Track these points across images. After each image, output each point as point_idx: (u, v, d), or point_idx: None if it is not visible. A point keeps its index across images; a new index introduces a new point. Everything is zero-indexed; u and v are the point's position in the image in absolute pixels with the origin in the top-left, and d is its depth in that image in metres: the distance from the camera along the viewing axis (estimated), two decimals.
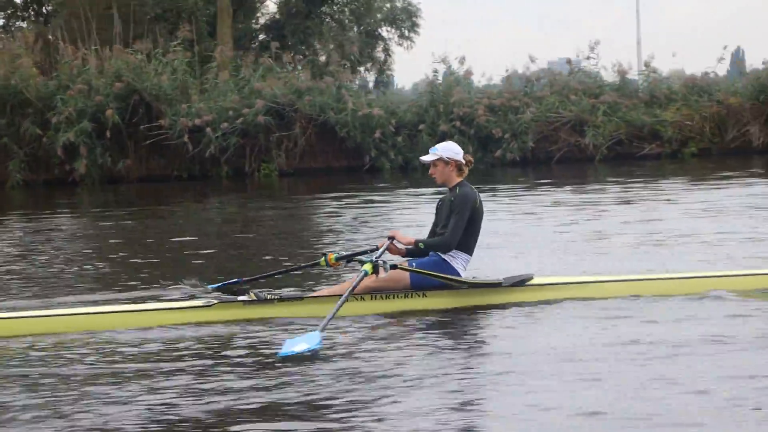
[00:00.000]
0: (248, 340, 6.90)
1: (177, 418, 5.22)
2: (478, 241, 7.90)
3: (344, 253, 7.94)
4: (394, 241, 7.81)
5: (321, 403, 5.39)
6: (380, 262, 7.47)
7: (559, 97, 25.15)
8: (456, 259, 7.77)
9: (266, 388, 5.64)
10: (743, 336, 6.47)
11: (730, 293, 7.68)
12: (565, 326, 7.07)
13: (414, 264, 7.72)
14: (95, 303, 8.26)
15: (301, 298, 7.66)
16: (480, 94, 25.49)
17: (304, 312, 7.47)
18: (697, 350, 6.18)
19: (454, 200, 7.76)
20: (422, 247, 7.75)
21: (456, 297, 7.75)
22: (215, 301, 7.56)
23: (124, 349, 6.77)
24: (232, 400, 5.45)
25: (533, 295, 7.83)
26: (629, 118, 24.67)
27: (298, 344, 6.28)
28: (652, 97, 25.39)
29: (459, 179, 7.86)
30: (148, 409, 5.34)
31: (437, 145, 7.96)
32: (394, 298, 7.63)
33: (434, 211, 8.06)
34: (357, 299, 7.53)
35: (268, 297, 7.72)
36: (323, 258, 7.81)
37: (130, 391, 5.69)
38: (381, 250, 7.71)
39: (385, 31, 34.11)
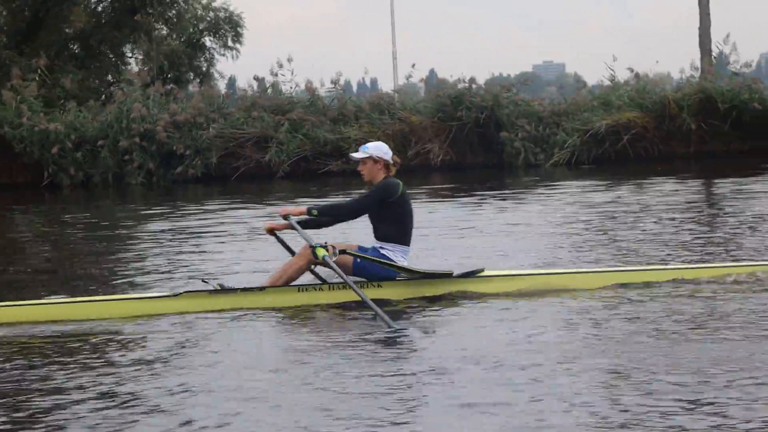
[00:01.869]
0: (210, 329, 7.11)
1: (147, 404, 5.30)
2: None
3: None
4: (290, 218, 7.92)
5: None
6: (329, 246, 7.73)
7: (245, 114, 25.23)
8: (394, 252, 7.99)
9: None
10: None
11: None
12: (506, 320, 7.13)
13: (358, 260, 7.90)
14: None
15: (262, 288, 7.89)
16: (163, 109, 25.31)
17: (266, 302, 7.78)
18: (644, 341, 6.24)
19: (372, 187, 8.09)
20: (316, 213, 7.95)
21: (409, 287, 7.94)
22: (182, 291, 7.89)
23: (91, 339, 6.93)
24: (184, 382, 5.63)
25: (483, 287, 7.99)
26: (313, 135, 24.86)
27: None
28: (341, 114, 25.70)
29: (385, 176, 8.11)
30: (108, 396, 5.46)
31: (368, 144, 8.25)
32: (349, 288, 7.62)
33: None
34: (313, 290, 7.86)
35: (233, 287, 8.00)
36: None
37: (94, 380, 5.79)
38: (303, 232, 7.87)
39: (208, 41, 33.74)
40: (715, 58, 27.45)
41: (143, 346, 6.70)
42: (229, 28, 33.87)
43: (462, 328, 6.97)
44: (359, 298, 7.41)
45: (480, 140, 25.12)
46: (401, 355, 6.33)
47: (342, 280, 7.64)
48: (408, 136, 25.20)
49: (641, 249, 10.32)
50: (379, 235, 8.11)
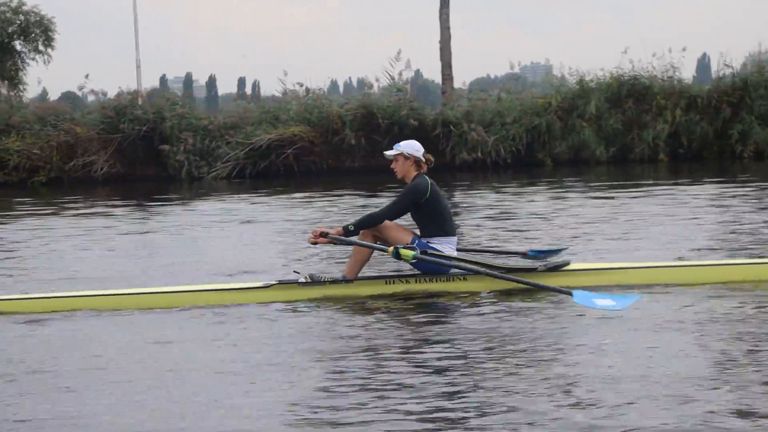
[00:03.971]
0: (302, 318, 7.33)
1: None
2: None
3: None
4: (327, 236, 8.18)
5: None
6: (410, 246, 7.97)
7: None
8: (441, 245, 8.14)
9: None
10: None
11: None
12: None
13: (416, 242, 8.07)
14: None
15: (350, 281, 8.14)
16: None
17: (353, 293, 8.05)
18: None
19: (403, 188, 8.25)
20: (352, 229, 8.12)
21: (494, 281, 7.95)
22: (274, 282, 8.13)
23: (183, 327, 7.19)
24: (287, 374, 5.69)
25: (568, 280, 7.99)
26: None
27: (603, 300, 7.02)
28: (6, 125, 24.82)
29: (416, 173, 8.26)
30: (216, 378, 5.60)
31: (400, 143, 8.39)
32: (436, 281, 8.08)
33: None
34: (402, 282, 8.11)
35: (322, 279, 8.19)
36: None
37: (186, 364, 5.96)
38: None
39: (18, 45, 32.23)
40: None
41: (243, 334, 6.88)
42: (39, 32, 32.48)
43: (543, 323, 6.95)
44: (447, 287, 7.98)
45: (149, 153, 24.74)
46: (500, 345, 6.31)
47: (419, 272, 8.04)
48: (74, 148, 24.59)
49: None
50: (424, 234, 8.26)
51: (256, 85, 58.87)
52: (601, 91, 24.76)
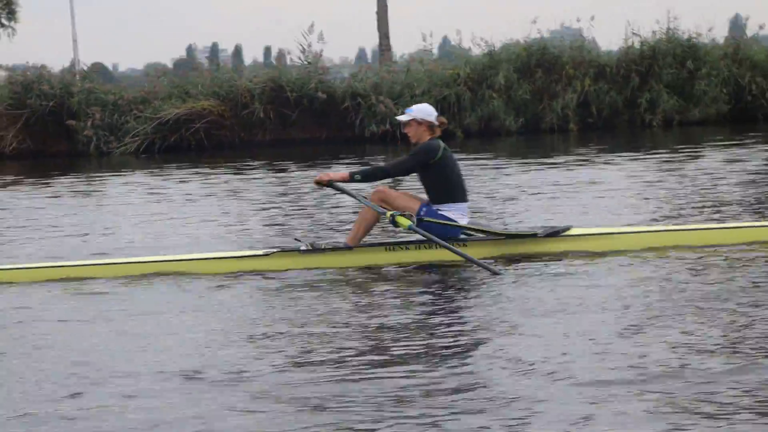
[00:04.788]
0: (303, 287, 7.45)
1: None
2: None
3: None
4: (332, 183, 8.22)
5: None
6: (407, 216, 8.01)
7: None
8: (452, 211, 8.13)
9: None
10: None
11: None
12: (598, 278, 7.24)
13: (423, 210, 8.11)
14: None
15: (350, 248, 8.16)
16: None
17: (353, 261, 8.12)
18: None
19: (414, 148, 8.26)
20: (358, 179, 8.18)
21: (495, 246, 8.11)
22: (275, 250, 8.29)
23: (185, 294, 7.42)
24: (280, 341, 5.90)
25: (568, 245, 8.12)
26: None
27: None
28: None
29: (430, 137, 8.26)
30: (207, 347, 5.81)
31: (412, 107, 8.41)
32: (435, 248, 8.02)
33: None
34: (402, 249, 8.14)
35: (322, 246, 8.27)
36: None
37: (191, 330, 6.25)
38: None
39: None
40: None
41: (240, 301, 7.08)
42: (2, 5, 32.13)
43: (546, 287, 7.09)
44: (448, 257, 7.90)
45: (59, 128, 24.56)
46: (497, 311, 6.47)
47: (428, 240, 8.00)
48: None
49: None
50: (433, 199, 8.22)
51: (282, 54, 58.62)
52: (510, 62, 24.80)
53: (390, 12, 28.61)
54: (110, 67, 38.39)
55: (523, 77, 24.73)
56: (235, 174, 17.92)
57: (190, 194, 14.89)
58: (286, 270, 8.02)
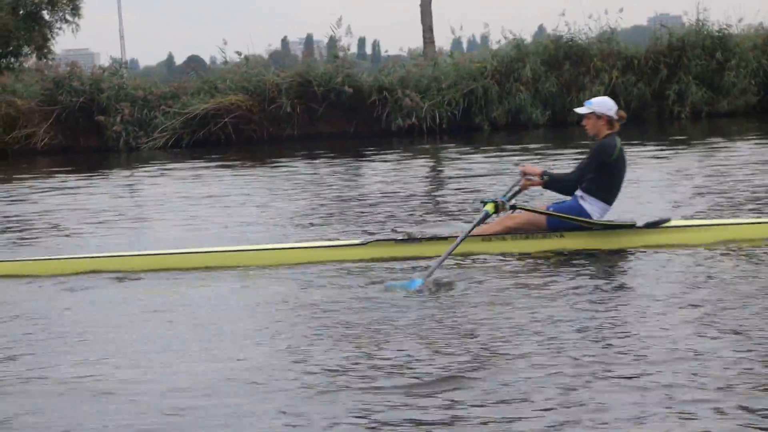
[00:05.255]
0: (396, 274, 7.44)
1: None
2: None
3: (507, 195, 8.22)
4: (527, 176, 8.24)
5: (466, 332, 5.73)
6: (500, 202, 7.90)
7: None
8: (593, 207, 8.13)
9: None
10: None
11: None
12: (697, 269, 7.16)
13: (551, 208, 8.18)
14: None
15: (446, 238, 8.09)
16: None
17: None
18: None
19: (592, 147, 8.23)
20: (546, 179, 8.22)
21: (592, 238, 8.04)
22: (371, 240, 8.35)
23: (280, 284, 7.38)
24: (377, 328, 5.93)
25: (668, 237, 8.04)
26: None
27: (402, 284, 6.95)
28: None
29: (608, 132, 8.19)
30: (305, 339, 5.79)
31: (592, 99, 8.37)
32: (531, 238, 8.05)
33: None
34: (498, 239, 8.07)
35: (418, 236, 8.34)
36: (490, 204, 7.92)
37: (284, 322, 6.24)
38: (514, 187, 8.32)
39: (46, 14, 32.50)
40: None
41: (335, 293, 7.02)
42: (67, 1, 32.65)
43: (643, 279, 7.02)
44: (547, 248, 7.95)
45: (89, 124, 24.83)
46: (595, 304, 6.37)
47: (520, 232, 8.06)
48: (14, 120, 24.69)
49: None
50: (585, 186, 8.19)
51: (376, 45, 59.09)
52: (537, 54, 24.75)
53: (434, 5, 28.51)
54: (207, 60, 38.91)
55: (551, 70, 24.68)
56: (295, 167, 18.02)
57: (255, 187, 15.03)
58: (382, 259, 8.03)
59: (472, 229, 7.83)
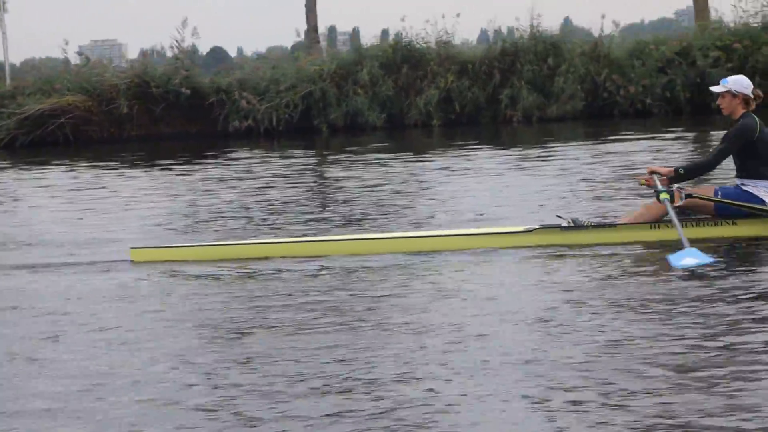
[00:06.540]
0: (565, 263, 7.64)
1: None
2: None
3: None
4: (654, 176, 8.13)
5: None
6: (675, 190, 7.96)
7: None
8: (757, 188, 8.02)
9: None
10: None
11: None
12: None
13: (720, 194, 8.09)
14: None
15: (614, 225, 8.21)
16: None
17: (615, 238, 8.10)
18: None
19: (730, 129, 8.09)
20: (682, 173, 8.09)
21: (765, 225, 7.96)
22: (536, 227, 8.34)
23: (451, 269, 7.66)
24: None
25: None
26: None
27: (685, 259, 7.09)
28: None
29: (743, 111, 8.09)
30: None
31: (728, 78, 8.25)
32: (704, 225, 8.07)
33: None
34: (667, 226, 7.97)
35: (585, 223, 8.30)
36: (664, 194, 7.94)
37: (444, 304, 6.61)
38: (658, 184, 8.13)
39: None
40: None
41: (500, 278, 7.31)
42: None
43: None
44: (712, 235, 7.94)
45: None
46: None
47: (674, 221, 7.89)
48: None
49: None
50: (741, 172, 8.10)
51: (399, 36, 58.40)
52: (376, 58, 25.19)
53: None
54: (230, 52, 38.53)
55: (389, 73, 25.13)
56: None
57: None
58: (547, 246, 8.14)
59: (676, 218, 7.87)
